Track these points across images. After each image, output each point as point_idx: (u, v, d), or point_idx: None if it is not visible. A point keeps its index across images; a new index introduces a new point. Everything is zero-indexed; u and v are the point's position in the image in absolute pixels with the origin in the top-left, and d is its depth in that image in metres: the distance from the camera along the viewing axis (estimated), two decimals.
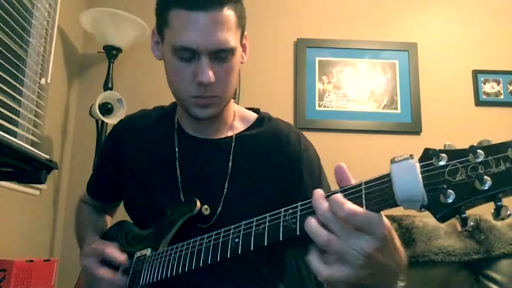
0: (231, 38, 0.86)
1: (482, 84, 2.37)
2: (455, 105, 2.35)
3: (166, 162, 0.99)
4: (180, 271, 0.80)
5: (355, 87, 2.36)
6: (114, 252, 0.90)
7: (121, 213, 1.18)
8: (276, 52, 2.40)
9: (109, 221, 1.21)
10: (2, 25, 1.69)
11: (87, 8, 2.11)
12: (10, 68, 1.71)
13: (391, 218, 1.90)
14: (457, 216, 0.51)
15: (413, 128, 2.29)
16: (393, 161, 0.54)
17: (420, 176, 0.52)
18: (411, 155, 0.54)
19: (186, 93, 0.90)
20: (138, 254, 0.93)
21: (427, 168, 0.52)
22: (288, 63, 2.39)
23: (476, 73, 2.38)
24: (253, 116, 1.05)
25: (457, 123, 2.30)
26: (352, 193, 0.58)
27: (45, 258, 1.68)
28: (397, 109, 2.33)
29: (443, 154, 0.52)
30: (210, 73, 0.86)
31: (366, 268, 0.56)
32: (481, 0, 2.49)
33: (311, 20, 2.45)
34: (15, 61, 1.76)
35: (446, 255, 1.81)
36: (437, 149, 0.52)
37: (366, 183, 0.57)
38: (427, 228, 1.87)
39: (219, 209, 0.92)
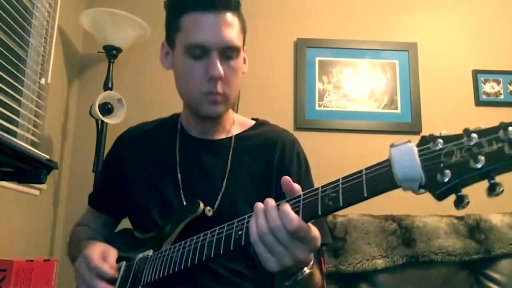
0: (237, 38, 0.96)
1: (482, 84, 2.37)
2: (455, 105, 2.35)
3: (167, 162, 1.03)
4: (182, 267, 0.79)
5: (355, 87, 2.36)
6: (102, 265, 0.87)
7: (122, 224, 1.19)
8: (276, 52, 2.40)
9: None
10: (2, 25, 1.69)
11: (87, 8, 2.11)
12: (10, 68, 1.71)
13: (391, 218, 1.90)
14: (454, 194, 0.54)
15: (413, 128, 2.29)
16: (392, 145, 0.58)
17: (418, 158, 0.55)
18: (409, 140, 0.57)
19: (197, 90, 0.96)
20: (140, 255, 0.92)
21: (425, 152, 0.55)
22: (288, 63, 2.39)
23: (476, 73, 2.38)
24: (252, 122, 1.11)
25: (457, 123, 2.28)
26: (354, 178, 0.63)
27: (45, 258, 1.68)
28: (397, 109, 2.33)
29: (439, 139, 0.55)
30: (221, 67, 0.93)
31: (288, 263, 0.67)
32: (481, 0, 2.49)
33: (311, 20, 2.45)
34: (15, 61, 1.76)
35: (446, 255, 1.81)
36: (434, 134, 0.56)
37: (366, 169, 0.62)
38: (427, 228, 1.86)
39: (216, 205, 0.95)
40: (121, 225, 1.18)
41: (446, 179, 0.53)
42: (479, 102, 2.34)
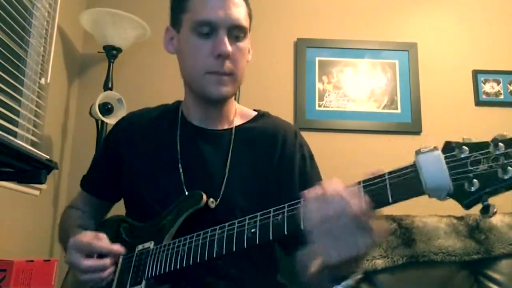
0: (244, 19, 0.96)
1: (482, 84, 2.37)
2: (455, 105, 2.35)
3: (168, 151, 1.01)
4: (191, 262, 0.79)
5: (355, 87, 2.36)
6: (105, 244, 0.88)
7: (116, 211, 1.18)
8: (276, 52, 2.40)
9: None
10: (2, 25, 1.69)
11: (87, 8, 2.11)
12: (10, 68, 1.71)
13: (391, 218, 1.89)
14: (481, 203, 0.54)
15: (413, 128, 2.29)
16: (418, 152, 0.57)
17: (445, 166, 0.55)
18: (435, 147, 0.57)
19: (202, 69, 0.94)
20: (140, 247, 0.91)
21: (451, 159, 0.55)
22: (288, 63, 2.39)
23: (476, 73, 2.38)
24: (253, 113, 1.10)
25: (457, 123, 2.30)
26: (375, 183, 0.61)
27: (45, 258, 1.68)
28: (397, 109, 2.33)
29: (465, 147, 0.55)
30: (229, 45, 0.92)
31: (349, 253, 0.61)
32: (481, 0, 2.49)
33: (311, 20, 2.45)
34: (15, 61, 1.75)
35: (446, 255, 1.81)
36: (459, 141, 0.56)
37: (389, 173, 0.60)
38: (427, 228, 1.86)
39: (219, 197, 0.93)
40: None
41: (474, 189, 0.53)
42: (479, 102, 2.34)
